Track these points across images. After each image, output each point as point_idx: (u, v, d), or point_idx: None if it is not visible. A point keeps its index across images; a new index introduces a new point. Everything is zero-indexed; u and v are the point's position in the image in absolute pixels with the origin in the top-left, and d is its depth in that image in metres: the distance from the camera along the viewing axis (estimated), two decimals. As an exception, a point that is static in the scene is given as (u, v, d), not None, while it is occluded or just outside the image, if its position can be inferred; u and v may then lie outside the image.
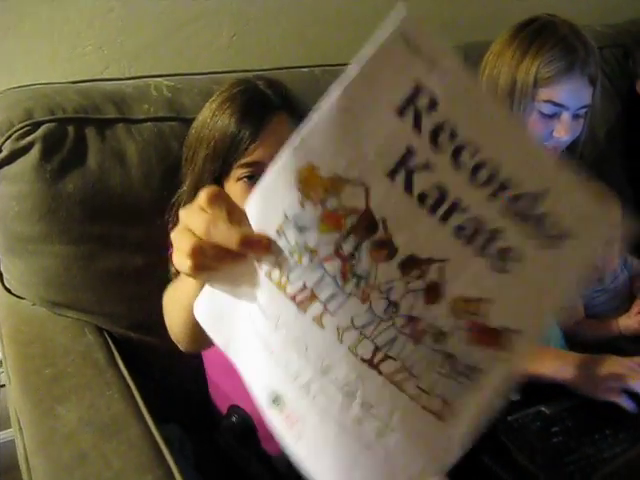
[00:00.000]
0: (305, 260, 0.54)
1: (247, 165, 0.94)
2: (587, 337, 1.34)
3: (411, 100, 0.48)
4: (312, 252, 0.54)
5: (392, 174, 0.50)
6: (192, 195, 0.99)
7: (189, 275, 0.58)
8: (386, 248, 0.52)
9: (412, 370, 0.54)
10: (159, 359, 1.11)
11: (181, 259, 0.56)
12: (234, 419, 1.03)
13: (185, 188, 1.02)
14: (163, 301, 0.84)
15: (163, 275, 1.05)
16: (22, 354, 0.98)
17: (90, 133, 1.06)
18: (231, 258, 0.55)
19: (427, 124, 0.48)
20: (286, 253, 0.55)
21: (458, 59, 0.47)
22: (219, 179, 0.97)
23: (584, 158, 1.40)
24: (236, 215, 0.56)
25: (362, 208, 0.51)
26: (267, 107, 0.96)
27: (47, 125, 1.03)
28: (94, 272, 1.06)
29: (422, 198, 0.50)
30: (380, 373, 0.55)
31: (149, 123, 1.12)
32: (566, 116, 1.24)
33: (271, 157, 0.90)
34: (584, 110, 1.26)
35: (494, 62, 1.28)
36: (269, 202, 0.55)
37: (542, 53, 1.21)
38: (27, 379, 0.93)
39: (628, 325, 1.33)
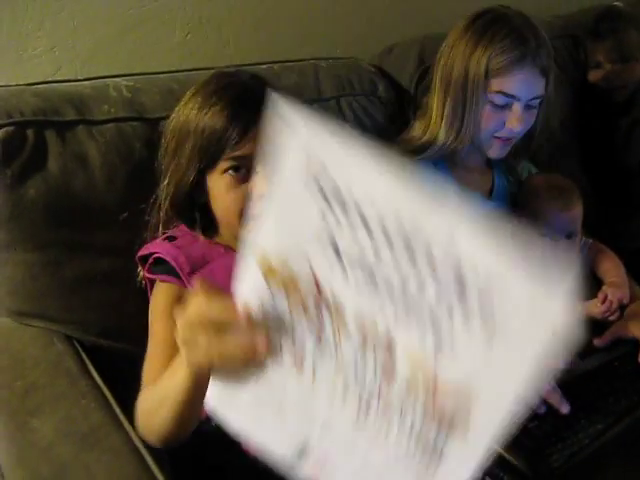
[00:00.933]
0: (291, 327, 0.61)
1: (235, 159, 0.93)
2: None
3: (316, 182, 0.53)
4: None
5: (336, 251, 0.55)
6: (174, 189, 0.98)
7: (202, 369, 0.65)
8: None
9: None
10: (131, 366, 1.07)
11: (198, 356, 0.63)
12: (214, 423, 1.00)
13: (166, 183, 1.00)
14: (140, 406, 0.84)
15: (132, 279, 1.02)
16: (-11, 368, 0.94)
17: (50, 136, 1.03)
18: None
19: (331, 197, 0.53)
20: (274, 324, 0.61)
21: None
22: (202, 172, 0.96)
23: (541, 149, 1.42)
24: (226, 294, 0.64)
25: (315, 291, 0.58)
26: (257, 103, 0.95)
27: (5, 129, 0.99)
28: (61, 279, 1.03)
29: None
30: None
31: (110, 124, 1.09)
32: (518, 107, 1.25)
33: (257, 152, 0.90)
34: (536, 101, 1.27)
35: (448, 53, 1.28)
36: (246, 287, 0.63)
37: (494, 44, 1.22)
38: (-3, 393, 0.90)
39: (592, 312, 1.34)
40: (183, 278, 0.96)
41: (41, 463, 0.78)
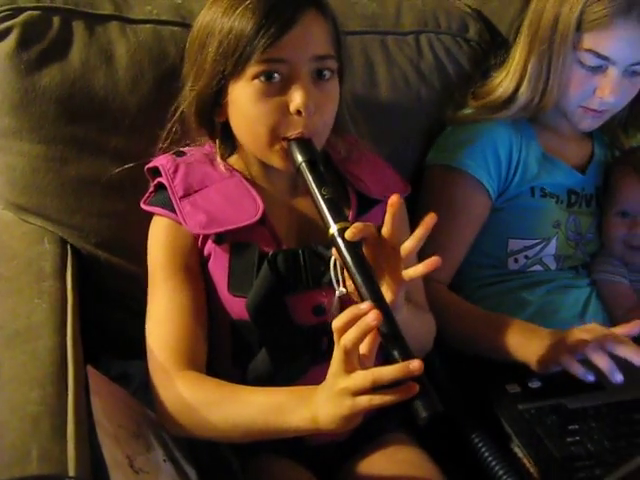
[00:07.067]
0: None
1: (267, 61, 0.80)
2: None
3: None
4: None
5: None
6: (196, 99, 0.87)
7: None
8: None
9: None
10: (128, 285, 1.00)
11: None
12: None
13: (186, 90, 0.90)
14: (190, 393, 0.79)
15: (140, 191, 0.93)
16: (-31, 255, 0.91)
17: (78, 27, 0.96)
18: None
19: None
20: None
21: None
22: (226, 78, 0.83)
23: None
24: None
25: None
26: (299, 1, 0.82)
27: (30, 12, 0.94)
28: (64, 178, 0.97)
29: None
30: None
31: (148, 25, 1.00)
32: (613, 72, 1.03)
33: (295, 57, 0.78)
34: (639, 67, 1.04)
35: None
36: None
37: None
38: (-41, 279, 0.85)
39: None
40: (175, 205, 0.86)
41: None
